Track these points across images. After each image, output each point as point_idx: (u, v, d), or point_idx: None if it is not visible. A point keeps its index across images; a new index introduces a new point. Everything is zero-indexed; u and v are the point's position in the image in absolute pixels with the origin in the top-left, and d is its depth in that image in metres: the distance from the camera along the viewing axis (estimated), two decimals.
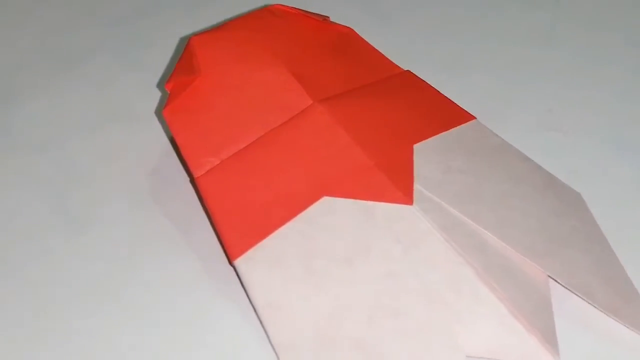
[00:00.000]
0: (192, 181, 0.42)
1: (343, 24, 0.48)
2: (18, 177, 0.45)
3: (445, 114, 0.44)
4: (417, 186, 0.39)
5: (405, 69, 0.46)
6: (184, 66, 0.43)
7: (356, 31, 0.48)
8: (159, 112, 0.47)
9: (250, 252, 0.37)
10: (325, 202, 0.38)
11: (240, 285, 0.37)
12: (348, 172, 0.39)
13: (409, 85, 0.45)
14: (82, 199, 0.43)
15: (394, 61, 0.47)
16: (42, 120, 0.48)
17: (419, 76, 0.46)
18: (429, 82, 0.46)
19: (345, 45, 0.46)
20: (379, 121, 0.42)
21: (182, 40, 0.54)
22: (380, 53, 0.47)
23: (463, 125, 0.43)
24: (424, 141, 0.42)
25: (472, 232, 0.38)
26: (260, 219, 0.38)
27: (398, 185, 0.38)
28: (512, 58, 0.53)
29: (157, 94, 0.49)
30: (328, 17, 0.47)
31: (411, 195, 0.38)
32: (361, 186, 0.39)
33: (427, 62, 0.51)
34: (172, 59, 0.52)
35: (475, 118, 0.43)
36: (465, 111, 0.44)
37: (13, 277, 0.39)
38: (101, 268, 0.40)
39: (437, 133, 0.42)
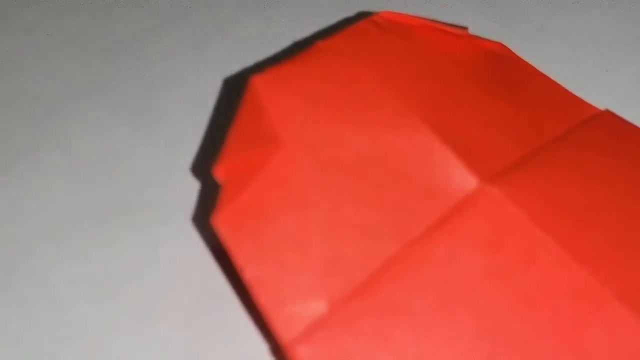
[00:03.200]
0: (275, 348, 0.23)
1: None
2: None
3: None
4: None
5: (603, 109, 0.28)
6: (245, 132, 0.24)
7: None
8: (202, 218, 0.28)
9: None
10: None
11: None
12: (568, 315, 0.22)
13: (617, 135, 0.27)
14: None
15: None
16: (14, 228, 0.29)
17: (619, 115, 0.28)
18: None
19: (501, 72, 0.28)
20: (595, 207, 0.23)
21: (227, 82, 0.33)
22: (556, 82, 0.28)
23: None
24: None
25: None
26: None
27: None
28: None
29: (191, 183, 0.29)
30: (466, 27, 0.28)
31: None
32: (597, 342, 0.21)
33: (611, 93, 0.32)
34: (214, 118, 0.32)
35: None
36: None
37: None
38: None
39: None
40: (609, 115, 0.28)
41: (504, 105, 0.27)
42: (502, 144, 0.25)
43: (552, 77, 0.33)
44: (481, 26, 0.35)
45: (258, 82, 0.25)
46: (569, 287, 0.22)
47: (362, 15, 0.33)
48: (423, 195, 0.24)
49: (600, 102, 0.32)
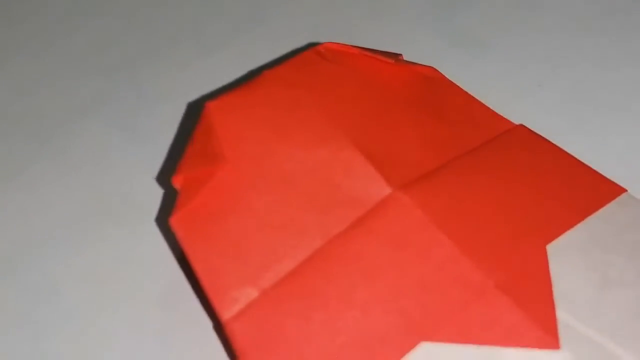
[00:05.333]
0: (217, 326, 0.28)
1: (418, 62, 0.33)
2: None
3: (583, 188, 0.29)
4: (562, 315, 0.26)
5: (517, 123, 0.32)
6: (199, 149, 0.29)
7: (439, 68, 0.33)
8: (162, 219, 0.33)
9: None
10: (425, 351, 0.25)
11: None
12: (455, 300, 0.25)
13: (525, 147, 0.31)
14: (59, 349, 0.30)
15: (495, 109, 0.32)
16: (21, 228, 0.35)
17: (536, 131, 0.31)
18: (550, 140, 0.31)
19: (429, 93, 0.32)
20: (492, 210, 0.28)
21: (190, 107, 0.39)
22: (479, 101, 0.33)
23: (611, 203, 0.29)
24: (561, 237, 0.27)
25: None
26: None
27: (533, 316, 0.25)
28: None
29: (156, 191, 0.35)
30: (400, 54, 0.33)
31: (555, 333, 0.25)
32: (477, 321, 0.26)
33: (542, 106, 0.36)
34: (178, 136, 0.37)
35: (626, 190, 0.29)
36: (611, 181, 0.29)
37: None
38: None
39: (577, 221, 0.28)
40: (522, 129, 0.32)
41: (426, 122, 0.32)
42: (419, 156, 0.30)
43: (490, 92, 0.37)
44: (428, 48, 0.39)
45: (211, 106, 0.30)
46: (458, 277, 0.27)
47: (311, 45, 0.38)
48: (345, 201, 0.29)
49: (531, 114, 0.36)
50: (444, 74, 0.37)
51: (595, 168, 0.32)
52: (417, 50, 0.38)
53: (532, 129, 0.33)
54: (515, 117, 0.35)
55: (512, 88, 0.37)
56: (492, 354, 0.25)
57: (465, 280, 0.26)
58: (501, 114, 0.33)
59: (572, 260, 0.28)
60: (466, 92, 0.33)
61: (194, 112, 0.37)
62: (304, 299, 0.27)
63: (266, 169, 0.29)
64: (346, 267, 0.27)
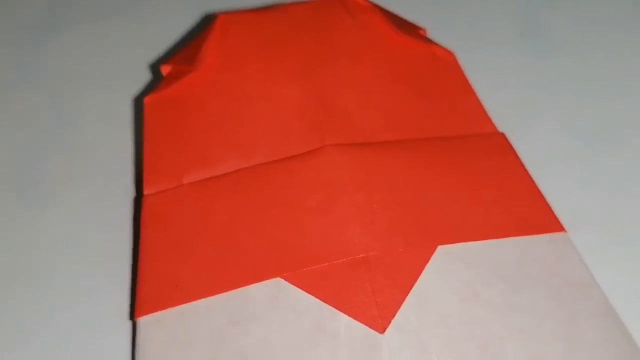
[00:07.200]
0: (137, 198, 0.33)
1: (444, 46, 0.34)
2: None
3: (522, 212, 0.30)
4: (406, 309, 0.27)
5: (500, 131, 0.33)
6: (194, 49, 0.34)
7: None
8: (140, 99, 0.38)
9: (160, 315, 0.28)
10: (277, 286, 0.28)
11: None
12: (324, 256, 0.28)
13: (490, 155, 0.32)
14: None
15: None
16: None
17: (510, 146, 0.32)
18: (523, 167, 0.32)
19: (428, 74, 0.34)
20: (413, 197, 0.30)
21: (208, 18, 0.43)
22: (476, 98, 0.33)
23: (540, 236, 0.29)
24: (459, 244, 0.28)
25: None
26: (192, 276, 0.29)
27: (378, 299, 0.27)
28: None
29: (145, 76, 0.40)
30: (424, 29, 0.34)
31: (388, 320, 0.27)
32: (332, 281, 0.28)
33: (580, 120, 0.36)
34: (184, 39, 0.42)
35: (565, 231, 0.29)
36: (555, 217, 0.30)
37: None
38: None
39: (492, 236, 0.29)
40: (499, 138, 0.33)
41: (408, 98, 0.33)
42: (378, 125, 0.32)
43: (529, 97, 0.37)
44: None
45: (221, 19, 0.34)
46: (340, 238, 0.29)
47: None
48: (282, 140, 0.32)
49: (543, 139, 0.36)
50: (484, 56, 0.37)
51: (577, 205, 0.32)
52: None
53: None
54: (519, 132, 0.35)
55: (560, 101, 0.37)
56: (326, 312, 0.28)
57: (344, 243, 0.29)
58: (494, 121, 0.34)
59: (453, 268, 0.29)
60: (469, 85, 0.34)
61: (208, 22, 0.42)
62: (207, 205, 0.31)
63: (234, 87, 0.33)
64: (254, 192, 0.30)
